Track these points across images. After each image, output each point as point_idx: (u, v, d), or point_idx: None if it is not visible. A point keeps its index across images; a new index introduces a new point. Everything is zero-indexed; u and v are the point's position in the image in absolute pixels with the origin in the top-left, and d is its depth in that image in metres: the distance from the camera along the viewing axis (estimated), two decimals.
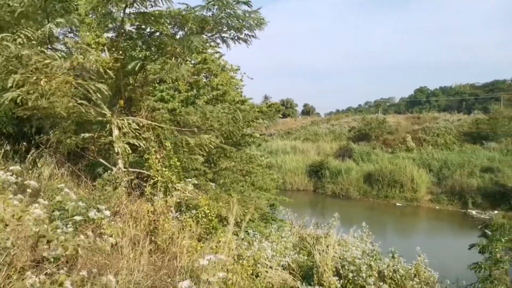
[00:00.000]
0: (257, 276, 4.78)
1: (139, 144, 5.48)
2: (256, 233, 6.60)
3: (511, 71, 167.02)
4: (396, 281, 4.49)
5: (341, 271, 4.56)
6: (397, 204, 25.34)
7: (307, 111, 76.46)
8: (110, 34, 6.03)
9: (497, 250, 4.40)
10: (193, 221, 5.40)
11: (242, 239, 6.39)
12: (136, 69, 4.70)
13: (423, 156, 29.01)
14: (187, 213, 5.49)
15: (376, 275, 4.46)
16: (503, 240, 4.46)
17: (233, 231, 6.36)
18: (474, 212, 21.85)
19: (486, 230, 4.59)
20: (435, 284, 4.88)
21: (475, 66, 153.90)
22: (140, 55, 4.82)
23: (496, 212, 21.24)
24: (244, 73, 9.11)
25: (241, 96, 8.39)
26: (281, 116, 63.24)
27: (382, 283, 4.29)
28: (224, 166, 7.76)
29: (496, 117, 30.89)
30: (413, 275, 4.66)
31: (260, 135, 11.18)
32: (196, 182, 5.56)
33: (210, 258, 3.21)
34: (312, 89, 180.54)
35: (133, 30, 5.80)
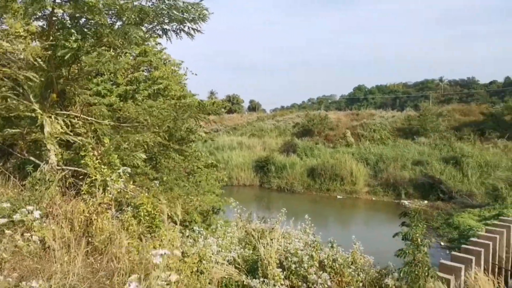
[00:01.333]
0: (202, 272, 4.74)
1: (74, 140, 5.14)
2: (201, 229, 6.53)
3: (439, 72, 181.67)
4: (335, 270, 4.73)
5: (284, 263, 4.68)
6: (338, 196, 26.55)
7: (253, 107, 77.12)
8: (41, 23, 5.57)
9: (417, 235, 4.81)
10: (134, 219, 5.21)
11: (188, 236, 6.30)
12: (69, 59, 4.39)
13: (361, 151, 30.63)
14: (128, 212, 5.28)
15: (317, 265, 4.65)
16: (420, 225, 4.89)
17: (177, 228, 6.24)
18: (406, 202, 23.56)
19: (406, 219, 4.99)
20: (370, 270, 5.21)
21: (408, 65, 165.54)
22: (74, 45, 4.50)
23: (425, 201, 23.12)
24: (187, 68, 8.93)
25: (183, 90, 8.19)
26: (228, 112, 63.10)
27: (322, 272, 4.47)
28: (167, 164, 7.55)
29: (426, 114, 33.37)
30: (350, 262, 4.95)
31: (206, 132, 11.05)
32: (129, 170, 5.33)
33: (164, 253, 3.09)
34: (257, 85, 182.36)
35: (67, 18, 5.40)
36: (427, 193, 24.04)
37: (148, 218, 5.29)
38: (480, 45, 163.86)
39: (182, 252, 5.17)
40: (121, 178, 5.35)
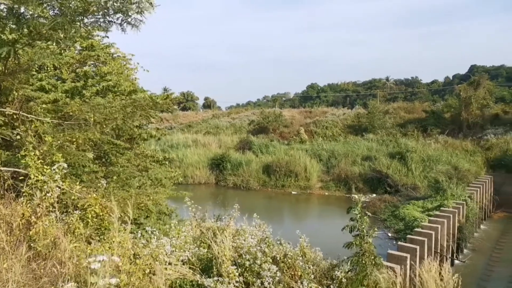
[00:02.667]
0: (154, 273, 4.62)
1: (11, 138, 4.77)
2: (154, 230, 6.37)
3: (387, 71, 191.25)
4: (288, 264, 4.83)
5: (239, 260, 4.69)
6: (293, 192, 27.12)
7: (208, 104, 76.47)
8: None
9: (363, 227, 5.07)
10: (81, 222, 4.96)
11: (140, 236, 6.11)
12: (4, 52, 4.05)
13: (314, 147, 31.45)
14: (74, 214, 5.01)
15: (271, 260, 4.72)
16: (365, 218, 5.16)
17: (129, 229, 6.03)
18: (356, 196, 24.42)
19: (352, 212, 5.23)
20: (321, 262, 5.39)
21: (358, 65, 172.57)
22: (10, 37, 4.16)
23: (374, 195, 24.26)
24: (138, 63, 8.59)
25: (134, 86, 7.89)
26: (182, 109, 61.85)
27: (275, 267, 4.56)
28: (117, 162, 7.25)
29: (373, 111, 34.97)
30: (300, 256, 5.09)
31: (158, 129, 10.74)
32: (65, 166, 5.05)
33: (103, 259, 2.98)
34: (212, 82, 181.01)
35: (4, 9, 4.99)
36: (375, 187, 25.25)
37: (96, 220, 5.06)
38: (421, 46, 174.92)
39: (134, 254, 5.02)
40: (66, 178, 5.06)
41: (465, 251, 15.94)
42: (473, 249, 16.24)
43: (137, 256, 4.89)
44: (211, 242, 5.11)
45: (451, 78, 79.35)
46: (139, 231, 6.44)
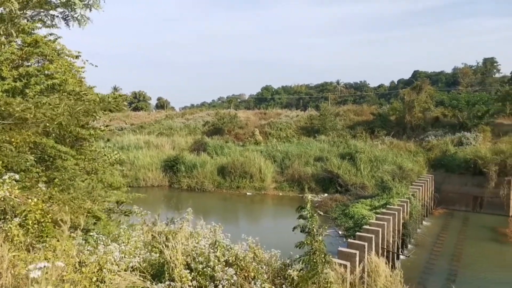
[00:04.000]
0: (102, 281, 4.41)
1: None
2: (101, 235, 6.08)
3: (337, 75, 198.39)
4: (241, 266, 4.83)
5: (192, 264, 4.61)
6: (248, 193, 27.24)
7: (161, 104, 74.69)
8: None
9: (313, 226, 5.21)
10: (21, 229, 4.62)
11: (87, 242, 5.80)
12: None
13: (268, 149, 31.84)
14: (12, 221, 4.66)
15: (224, 263, 4.70)
16: (315, 217, 5.31)
17: (74, 235, 5.70)
18: (309, 196, 25.08)
19: (302, 212, 5.36)
20: (275, 262, 5.46)
21: (311, 68, 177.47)
22: None
23: (326, 195, 25.04)
24: (87, 60, 8.11)
25: (81, 84, 7.46)
26: (134, 109, 59.77)
27: (228, 268, 4.53)
28: (62, 165, 6.83)
29: (325, 113, 36.08)
30: (252, 257, 5.12)
31: (107, 127, 10.23)
32: (17, 177, 4.73)
33: (44, 266, 2.78)
34: (166, 82, 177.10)
35: None
36: (327, 186, 26.08)
37: (37, 226, 4.74)
38: (369, 52, 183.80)
39: (80, 261, 4.76)
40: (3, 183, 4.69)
41: (409, 246, 16.92)
42: (416, 244, 17.29)
43: (83, 264, 4.65)
44: (163, 246, 4.97)
45: (396, 83, 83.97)
46: (85, 238, 6.13)
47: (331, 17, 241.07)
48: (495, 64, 68.79)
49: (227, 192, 27.87)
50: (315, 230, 5.16)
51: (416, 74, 75.57)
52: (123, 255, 5.36)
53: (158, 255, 5.44)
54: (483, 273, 13.94)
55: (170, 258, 4.55)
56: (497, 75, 69.21)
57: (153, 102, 75.88)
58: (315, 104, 66.48)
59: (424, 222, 20.62)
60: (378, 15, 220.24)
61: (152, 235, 6.52)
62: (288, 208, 24.36)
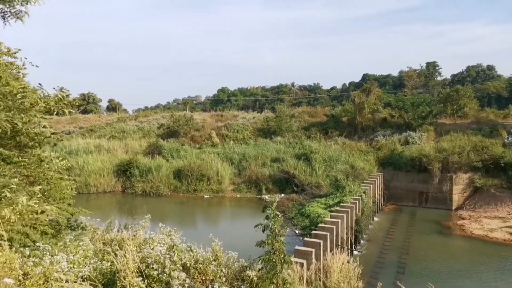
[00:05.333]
0: None
1: None
2: (48, 246, 5.71)
3: (292, 77, 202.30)
4: (199, 269, 4.75)
5: (146, 271, 4.45)
6: (205, 196, 26.95)
7: (113, 107, 71.90)
8: None
9: (275, 226, 5.26)
10: None
11: (29, 255, 5.42)
12: None
13: (226, 151, 31.73)
14: None
15: (181, 267, 4.58)
16: (278, 217, 5.37)
17: (17, 247, 5.30)
18: (267, 197, 25.45)
19: (267, 212, 5.40)
20: (234, 264, 5.42)
21: (266, 70, 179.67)
22: None
23: (282, 195, 25.39)
24: (25, 58, 7.50)
25: (21, 85, 6.90)
26: (83, 112, 56.96)
27: (183, 274, 4.43)
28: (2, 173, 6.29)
29: (281, 115, 36.65)
30: (212, 260, 5.05)
31: (54, 133, 9.60)
32: None
33: None
34: (117, 83, 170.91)
35: None
36: (284, 187, 26.49)
37: None
38: (322, 55, 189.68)
39: (24, 274, 4.44)
40: None
41: (362, 242, 17.61)
42: (368, 240, 18.03)
43: (27, 276, 4.34)
44: (114, 254, 4.76)
45: (347, 85, 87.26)
46: (31, 248, 5.73)
47: (282, 21, 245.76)
48: (437, 67, 73.72)
49: (184, 195, 27.39)
50: (277, 230, 5.20)
51: (365, 77, 78.95)
52: (71, 265, 5.07)
53: (109, 263, 5.21)
54: (430, 264, 14.84)
55: (122, 266, 4.36)
56: (438, 78, 74.32)
57: (104, 104, 72.89)
58: (271, 106, 67.31)
59: (375, 218, 21.57)
60: (328, 20, 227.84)
61: (103, 243, 6.24)
62: (246, 210, 24.44)
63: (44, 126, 7.04)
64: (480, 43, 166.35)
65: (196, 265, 4.77)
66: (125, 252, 4.43)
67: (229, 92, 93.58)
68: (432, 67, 73.24)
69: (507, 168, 23.16)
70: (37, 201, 5.16)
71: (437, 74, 74.16)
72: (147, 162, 29.79)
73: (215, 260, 5.06)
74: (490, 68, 71.83)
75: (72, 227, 8.68)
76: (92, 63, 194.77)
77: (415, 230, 19.65)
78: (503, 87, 58.84)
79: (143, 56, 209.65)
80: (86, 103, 62.03)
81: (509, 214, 21.16)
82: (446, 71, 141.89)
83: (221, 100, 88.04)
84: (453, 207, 23.59)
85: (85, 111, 58.20)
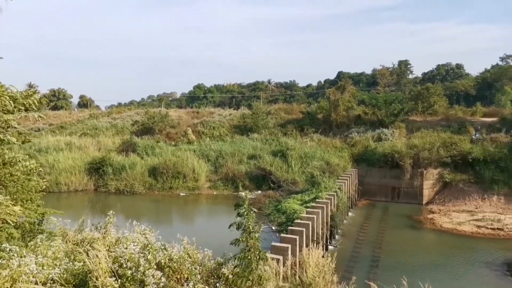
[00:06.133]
0: None
1: None
2: (15, 247, 5.49)
3: (269, 75, 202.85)
4: (173, 268, 4.69)
5: (119, 271, 4.35)
6: (181, 194, 26.66)
7: (85, 103, 69.96)
8: None
9: (249, 223, 5.26)
10: None
11: None
12: None
13: (202, 148, 31.47)
14: None
15: (155, 266, 4.51)
16: (251, 213, 5.38)
17: None
18: (243, 193, 25.37)
19: (239, 209, 5.39)
20: (209, 261, 5.39)
21: (243, 67, 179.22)
22: None
23: (259, 192, 25.47)
24: None
25: None
26: (53, 108, 55.23)
27: (159, 272, 4.36)
28: None
29: (257, 112, 36.65)
30: (187, 258, 5.00)
31: (20, 133, 9.15)
32: None
33: None
34: (90, 80, 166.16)
35: None
36: (260, 183, 26.57)
37: None
38: (298, 53, 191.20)
39: None
40: None
41: (337, 237, 17.93)
42: (343, 235, 18.38)
43: None
44: (86, 254, 4.63)
45: (322, 83, 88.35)
46: None
47: (259, 17, 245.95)
48: (408, 66, 75.80)
49: (159, 193, 27.00)
50: (251, 227, 5.20)
51: (340, 75, 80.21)
52: (41, 267, 4.90)
53: (81, 264, 5.07)
54: (402, 258, 15.29)
55: (94, 266, 4.24)
56: (410, 76, 76.45)
57: (75, 100, 70.77)
58: (248, 102, 67.24)
59: (349, 213, 22.00)
60: (305, 18, 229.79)
61: (74, 243, 6.05)
62: (223, 207, 24.36)
63: (12, 127, 6.73)
64: (451, 43, 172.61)
65: (171, 263, 4.71)
66: (98, 252, 4.32)
67: (205, 88, 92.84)
68: (404, 65, 75.25)
69: (474, 163, 24.15)
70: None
71: (408, 72, 76.29)
72: (121, 159, 29.15)
73: (189, 258, 5.01)
74: (459, 66, 74.50)
75: (39, 232, 8.35)
76: (62, 59, 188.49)
77: (388, 225, 20.19)
78: (471, 85, 61.29)
79: (116, 52, 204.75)
80: (56, 99, 60.04)
81: (476, 208, 22.10)
82: (417, 70, 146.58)
83: (197, 97, 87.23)
84: (424, 202, 24.39)
85: (55, 108, 56.33)
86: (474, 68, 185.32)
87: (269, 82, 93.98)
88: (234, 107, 53.89)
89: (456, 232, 18.56)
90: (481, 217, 20.22)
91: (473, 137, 27.68)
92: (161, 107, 50.07)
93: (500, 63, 66.37)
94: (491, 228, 18.55)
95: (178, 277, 4.60)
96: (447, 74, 73.38)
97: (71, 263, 5.20)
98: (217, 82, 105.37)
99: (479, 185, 23.43)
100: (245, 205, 5.34)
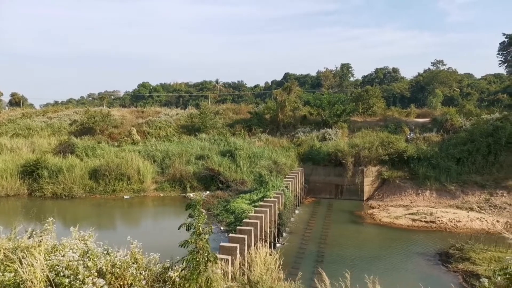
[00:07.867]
0: None
1: None
2: None
3: (217, 74, 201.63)
4: (116, 274, 4.48)
5: (55, 280, 4.06)
6: (125, 196, 25.59)
7: (17, 101, 64.60)
8: None
9: (199, 225, 5.20)
10: None
11: None
12: None
13: (147, 148, 30.46)
14: None
15: (96, 273, 4.28)
16: (201, 215, 5.31)
17: None
18: (191, 194, 25.05)
19: (190, 211, 5.30)
20: (156, 266, 5.23)
21: (190, 66, 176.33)
22: None
23: (208, 192, 25.23)
24: None
25: None
26: None
27: (102, 280, 4.15)
28: None
29: (205, 112, 36.32)
30: (132, 263, 4.80)
31: None
32: None
33: None
34: (22, 76, 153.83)
35: None
36: (209, 184, 26.31)
37: None
38: (245, 53, 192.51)
39: None
40: None
41: (284, 234, 18.30)
42: (290, 232, 18.81)
43: None
44: (19, 263, 4.27)
45: (270, 83, 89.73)
46: None
47: (207, 16, 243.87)
48: (350, 69, 79.52)
49: (101, 197, 25.67)
50: (200, 228, 5.12)
51: (287, 76, 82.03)
52: None
53: (13, 274, 4.66)
54: (345, 252, 16.02)
55: (27, 276, 3.92)
56: (351, 78, 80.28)
57: (6, 98, 65.06)
58: (195, 102, 66.37)
59: (296, 211, 22.57)
60: (254, 19, 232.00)
61: (4, 253, 5.55)
62: (170, 209, 23.79)
63: None
64: (388, 47, 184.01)
65: (113, 269, 4.49)
66: (33, 260, 3.99)
67: (151, 87, 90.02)
68: (346, 68, 78.81)
69: (409, 161, 25.98)
70: None
71: (350, 75, 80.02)
72: (58, 161, 27.27)
73: (134, 263, 4.82)
74: (395, 70, 79.58)
75: None
76: None
77: (332, 221, 21.03)
78: (406, 88, 65.91)
79: (51, 47, 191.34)
80: None
81: (411, 203, 23.76)
82: (358, 72, 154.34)
83: (142, 96, 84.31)
84: (365, 198, 25.73)
85: None
86: (409, 71, 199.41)
87: (217, 81, 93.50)
88: (181, 107, 52.92)
89: (394, 226, 19.80)
90: (415, 211, 21.75)
91: (408, 136, 29.78)
92: (102, 106, 47.66)
93: (431, 67, 71.89)
94: (424, 221, 20.03)
95: (121, 283, 4.41)
96: (384, 77, 78.05)
97: (0, 274, 4.76)
98: (163, 80, 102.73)
99: (414, 181, 25.22)
100: (198, 206, 5.25)
